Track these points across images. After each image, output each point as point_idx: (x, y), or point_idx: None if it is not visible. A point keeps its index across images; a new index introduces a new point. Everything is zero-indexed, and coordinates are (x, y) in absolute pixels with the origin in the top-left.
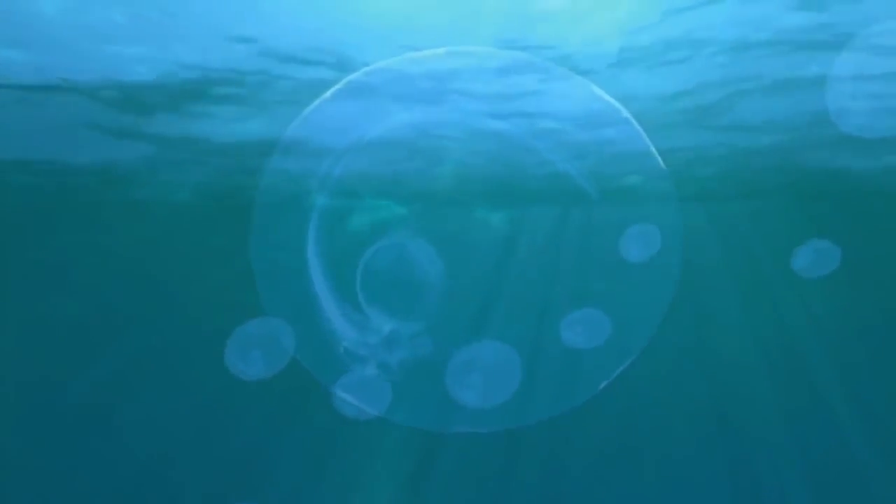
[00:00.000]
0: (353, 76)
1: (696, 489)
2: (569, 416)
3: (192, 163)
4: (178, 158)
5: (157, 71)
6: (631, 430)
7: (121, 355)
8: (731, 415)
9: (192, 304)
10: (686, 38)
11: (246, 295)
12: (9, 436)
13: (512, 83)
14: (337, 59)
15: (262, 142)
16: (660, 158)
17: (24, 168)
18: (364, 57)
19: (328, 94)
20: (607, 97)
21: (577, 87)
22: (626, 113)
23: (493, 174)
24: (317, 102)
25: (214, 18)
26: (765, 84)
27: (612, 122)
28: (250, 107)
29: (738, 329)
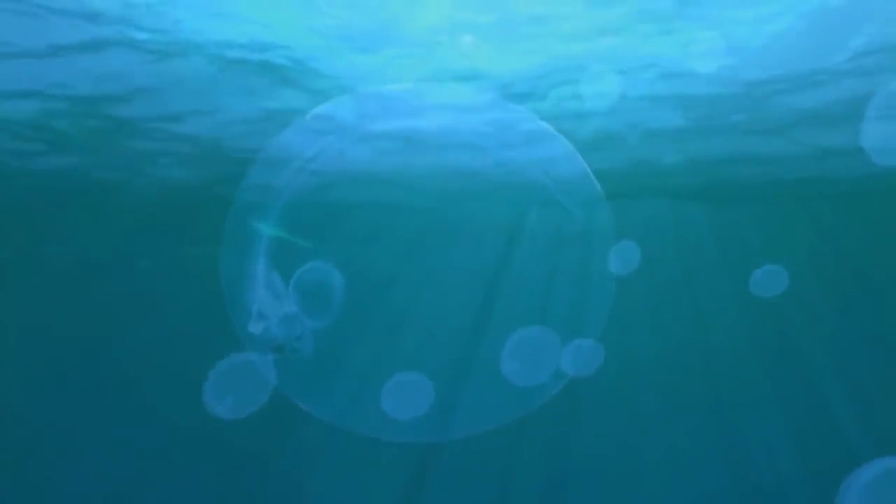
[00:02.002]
0: (331, 101)
1: (697, 493)
2: (568, 420)
3: None
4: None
5: None
6: (631, 432)
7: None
8: (731, 415)
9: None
10: None
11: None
12: None
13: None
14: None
15: None
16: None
17: None
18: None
19: (310, 113)
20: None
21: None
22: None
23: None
24: (299, 121)
25: None
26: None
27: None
28: None
29: (737, 328)
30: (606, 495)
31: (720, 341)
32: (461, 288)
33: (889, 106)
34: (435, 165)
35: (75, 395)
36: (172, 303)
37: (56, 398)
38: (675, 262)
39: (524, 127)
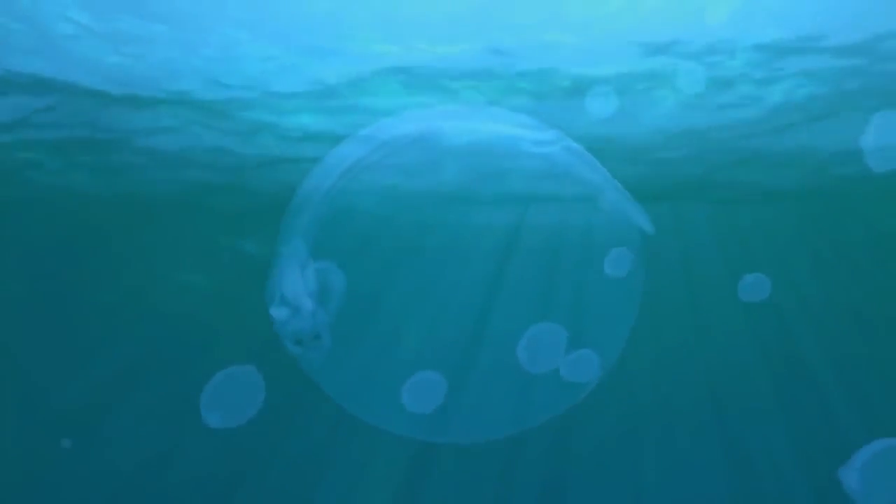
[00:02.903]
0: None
1: (696, 499)
2: (566, 422)
3: None
4: None
5: None
6: (631, 435)
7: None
8: (732, 418)
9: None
10: None
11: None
12: None
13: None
14: None
15: None
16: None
17: None
18: None
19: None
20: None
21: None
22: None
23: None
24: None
25: None
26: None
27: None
28: None
29: (736, 329)
30: (605, 499)
31: (720, 343)
32: (468, 292)
33: (888, 110)
34: (447, 169)
35: (71, 398)
36: (171, 307)
37: (52, 401)
38: (675, 264)
39: (540, 136)
